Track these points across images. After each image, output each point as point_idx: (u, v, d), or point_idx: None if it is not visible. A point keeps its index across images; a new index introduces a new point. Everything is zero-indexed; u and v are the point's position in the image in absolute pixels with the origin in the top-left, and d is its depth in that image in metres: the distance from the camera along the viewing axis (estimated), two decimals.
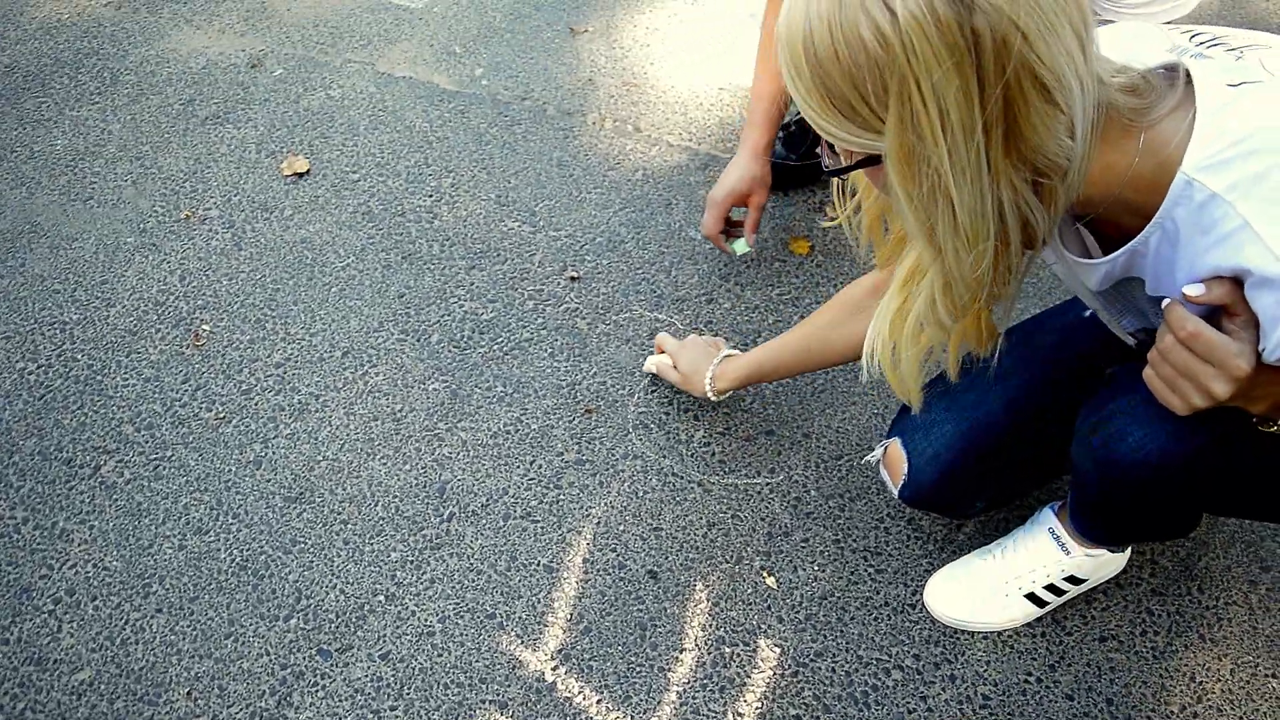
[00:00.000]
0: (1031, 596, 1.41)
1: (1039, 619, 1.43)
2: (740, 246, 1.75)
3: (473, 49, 2.26)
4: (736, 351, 1.57)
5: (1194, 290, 0.83)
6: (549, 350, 1.73)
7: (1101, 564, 1.41)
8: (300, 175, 1.98)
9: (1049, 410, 1.30)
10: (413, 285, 1.81)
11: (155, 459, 1.58)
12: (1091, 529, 1.30)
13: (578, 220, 1.93)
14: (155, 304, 1.78)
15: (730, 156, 2.05)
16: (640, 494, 1.56)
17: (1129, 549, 1.42)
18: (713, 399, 1.57)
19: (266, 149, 2.03)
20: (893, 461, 1.39)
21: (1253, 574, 1.48)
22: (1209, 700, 1.37)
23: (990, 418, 1.30)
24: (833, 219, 1.16)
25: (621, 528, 1.52)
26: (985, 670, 1.39)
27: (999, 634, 1.42)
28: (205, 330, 1.74)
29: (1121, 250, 0.92)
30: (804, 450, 1.61)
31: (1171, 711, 1.36)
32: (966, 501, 1.39)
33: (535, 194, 1.97)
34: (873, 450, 1.44)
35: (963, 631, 1.43)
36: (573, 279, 1.83)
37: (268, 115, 2.10)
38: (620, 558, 1.49)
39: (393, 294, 1.80)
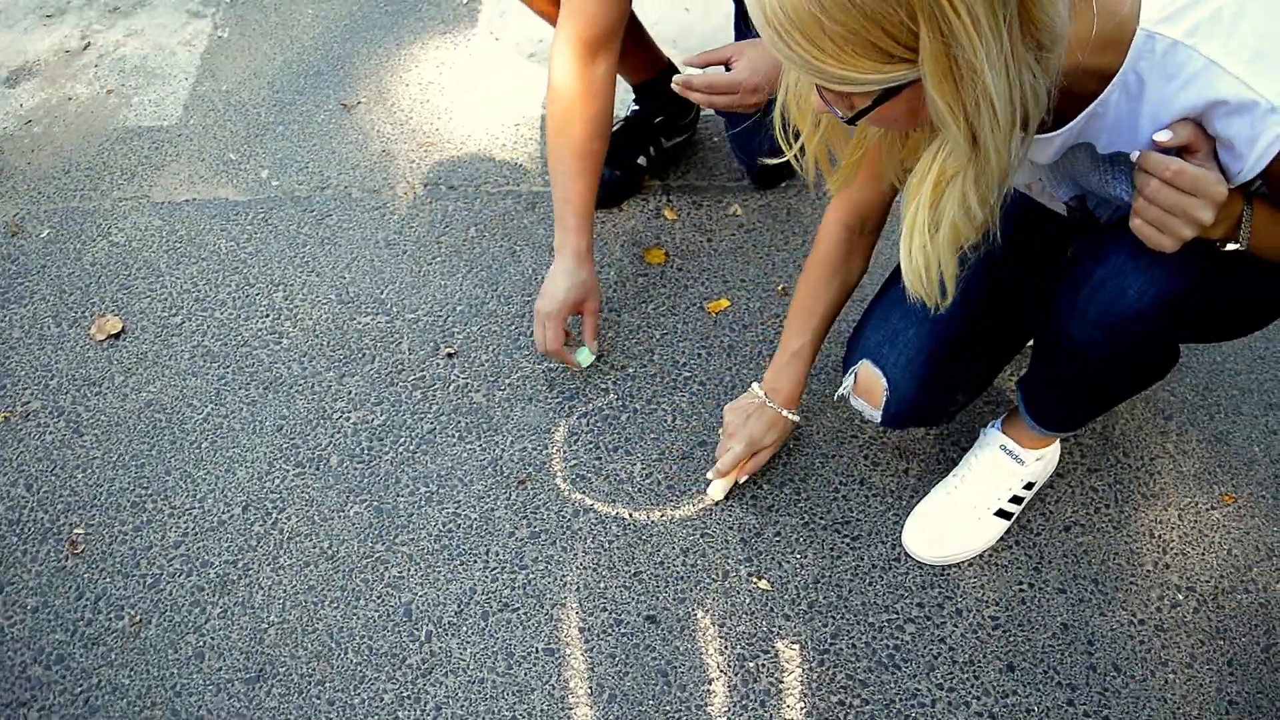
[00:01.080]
0: (1000, 512, 1.49)
1: (1008, 531, 1.52)
2: (585, 356, 1.70)
3: (249, 151, 2.11)
4: (758, 385, 1.52)
5: (1164, 136, 0.93)
6: (456, 434, 1.66)
7: (1047, 464, 1.51)
8: (116, 336, 1.79)
9: (993, 290, 1.35)
10: (288, 413, 1.69)
11: (82, 692, 1.39)
12: (1070, 416, 1.38)
13: (430, 295, 1.85)
14: (10, 524, 1.56)
15: (547, 190, 2.02)
16: (606, 545, 1.53)
17: (1058, 443, 1.52)
18: (794, 418, 1.52)
19: (66, 319, 1.82)
20: (867, 385, 1.41)
21: (1159, 424, 1.63)
22: (1172, 549, 1.50)
23: (946, 311, 1.34)
24: (771, 162, 1.20)
25: (602, 585, 1.48)
26: (983, 594, 1.46)
27: (981, 556, 1.50)
28: (79, 534, 1.54)
29: (1080, 115, 1.00)
30: None
31: (1148, 570, 1.48)
32: (947, 400, 1.44)
33: (376, 281, 1.87)
34: (842, 383, 1.46)
35: (950, 566, 1.49)
36: (450, 356, 1.76)
37: (52, 282, 1.88)
38: (613, 615, 1.46)
39: (270, 429, 1.66)
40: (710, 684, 1.39)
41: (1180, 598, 1.45)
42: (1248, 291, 1.15)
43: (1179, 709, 1.35)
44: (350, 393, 1.71)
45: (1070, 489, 1.57)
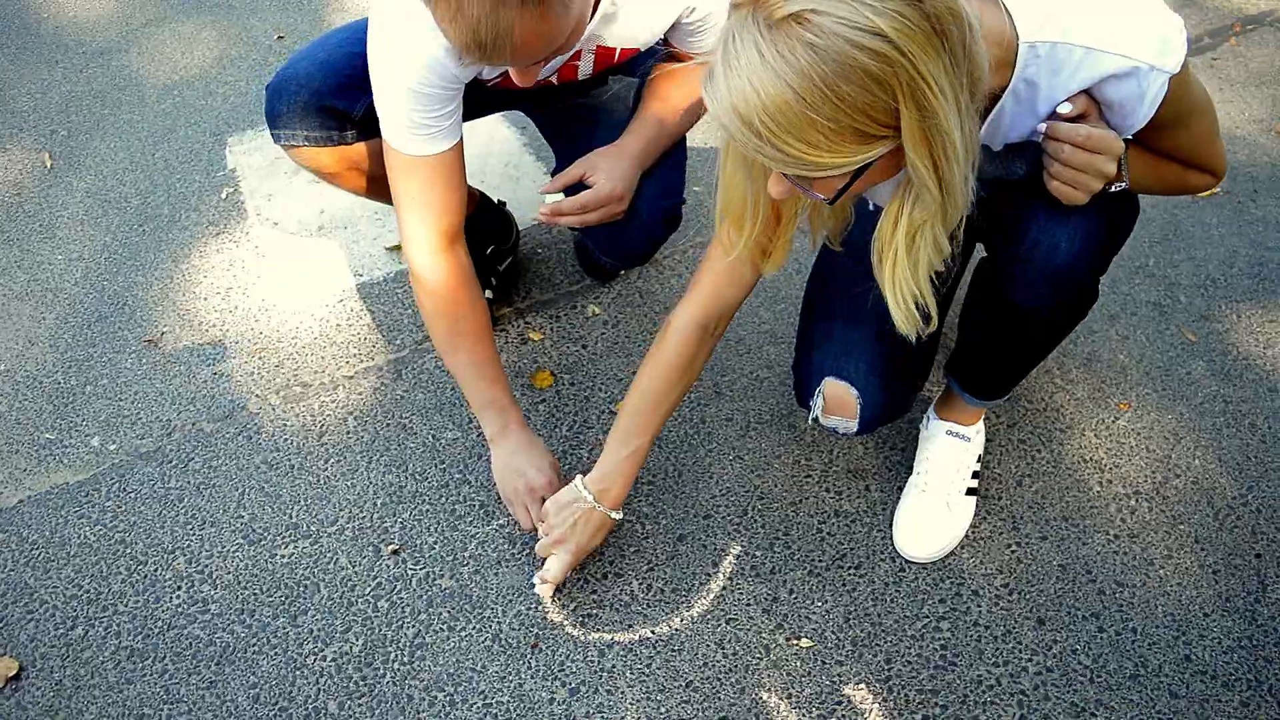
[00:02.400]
0: (968, 491, 1.63)
1: (978, 506, 1.66)
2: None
3: (66, 424, 1.89)
4: (581, 480, 1.52)
5: (1066, 108, 1.10)
6: (445, 627, 1.58)
7: (982, 436, 1.66)
8: (16, 678, 1.54)
9: None
10: (256, 679, 1.53)
11: None
12: (1008, 381, 1.52)
13: (341, 500, 1.74)
14: None
15: (405, 353, 1.97)
16: (647, 670, 1.51)
17: (981, 420, 1.68)
18: (619, 517, 1.53)
19: None
20: (837, 400, 1.46)
21: (1042, 366, 1.84)
22: (1106, 465, 1.70)
23: (880, 307, 1.40)
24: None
25: (663, 709, 1.47)
26: (985, 568, 1.59)
27: (967, 536, 1.63)
28: None
29: (984, 127, 1.16)
30: (721, 530, 1.67)
31: (1097, 491, 1.67)
32: (909, 390, 1.53)
33: (277, 508, 1.74)
34: (811, 407, 1.50)
35: (948, 555, 1.61)
36: (395, 553, 1.67)
37: None
38: None
39: (245, 702, 1.50)
40: None
41: (1133, 504, 1.65)
42: (1122, 225, 1.36)
43: (1182, 594, 1.54)
44: (313, 631, 1.58)
45: (1003, 448, 1.74)
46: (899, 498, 1.67)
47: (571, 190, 1.61)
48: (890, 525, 1.65)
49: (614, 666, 1.52)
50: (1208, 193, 2.17)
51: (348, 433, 1.86)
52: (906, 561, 1.61)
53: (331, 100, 1.60)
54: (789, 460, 1.76)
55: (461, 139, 1.55)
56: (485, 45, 1.17)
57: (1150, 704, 1.43)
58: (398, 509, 1.73)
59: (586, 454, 1.79)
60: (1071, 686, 1.46)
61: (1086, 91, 1.10)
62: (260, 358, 1.99)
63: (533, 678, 1.52)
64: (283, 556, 1.68)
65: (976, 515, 1.65)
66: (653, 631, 1.56)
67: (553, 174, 1.79)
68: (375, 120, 1.55)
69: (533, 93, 1.73)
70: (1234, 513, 1.64)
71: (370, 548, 1.68)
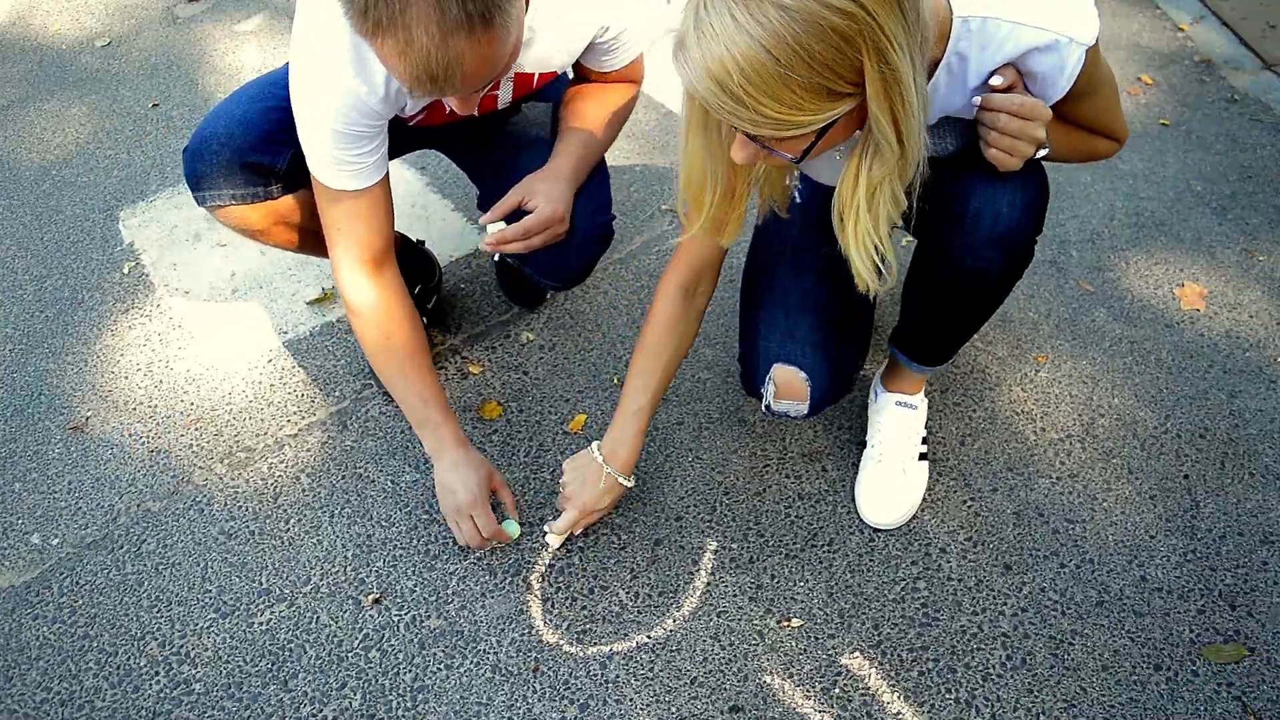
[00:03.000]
0: (921, 456, 1.72)
1: (930, 470, 1.75)
2: (514, 528, 1.70)
3: (5, 523, 1.81)
4: (596, 445, 1.60)
5: (998, 80, 1.19)
6: (443, 666, 1.57)
7: (926, 403, 1.76)
8: None
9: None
10: None
11: None
12: (952, 346, 1.60)
13: (309, 559, 1.72)
14: None
15: (347, 404, 1.95)
16: (650, 675, 1.54)
17: (924, 388, 1.78)
18: (629, 484, 1.60)
19: None
20: (787, 385, 1.52)
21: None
22: (1037, 415, 1.82)
23: (818, 291, 1.53)
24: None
25: (674, 709, 1.51)
26: (948, 526, 1.69)
27: (926, 499, 1.72)
28: None
29: None
30: (694, 529, 1.72)
31: (1033, 440, 1.79)
32: (854, 368, 1.61)
33: (244, 576, 1.70)
34: (763, 395, 1.56)
35: (912, 519, 1.70)
36: (377, 602, 1.66)
37: None
38: None
39: None
40: None
41: (1069, 446, 1.78)
42: (1046, 189, 1.46)
43: (1127, 520, 1.67)
44: (307, 693, 1.56)
45: (942, 412, 1.85)
46: (855, 473, 1.75)
47: (511, 218, 1.64)
48: (853, 499, 1.73)
49: (618, 676, 1.55)
50: None
51: (304, 490, 1.83)
52: (874, 530, 1.69)
53: (255, 156, 1.59)
54: (745, 453, 1.82)
55: (387, 173, 1.56)
56: (437, 77, 1.18)
57: (1119, 625, 1.55)
58: (370, 558, 1.72)
59: (548, 476, 1.81)
60: (1046, 622, 1.56)
61: (1012, 64, 1.19)
62: (197, 429, 1.94)
63: (540, 701, 1.53)
64: (261, 624, 1.64)
65: (930, 478, 1.75)
66: (649, 636, 1.59)
67: (480, 204, 1.82)
68: (300, 172, 1.54)
69: (451, 128, 1.75)
70: (1158, 441, 1.78)
71: (350, 601, 1.66)
